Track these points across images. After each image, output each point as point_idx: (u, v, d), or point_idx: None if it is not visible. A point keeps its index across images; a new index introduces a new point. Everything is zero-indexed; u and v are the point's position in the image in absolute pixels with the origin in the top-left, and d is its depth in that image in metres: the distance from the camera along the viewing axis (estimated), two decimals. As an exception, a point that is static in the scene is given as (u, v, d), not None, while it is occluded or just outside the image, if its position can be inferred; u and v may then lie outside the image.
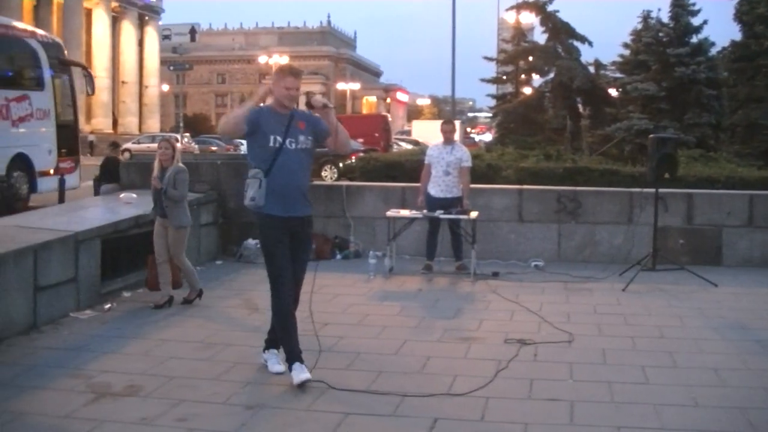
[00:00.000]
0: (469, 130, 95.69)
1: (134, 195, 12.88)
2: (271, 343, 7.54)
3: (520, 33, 51.87)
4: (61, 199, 19.11)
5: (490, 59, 56.56)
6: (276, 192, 7.05)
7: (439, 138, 13.11)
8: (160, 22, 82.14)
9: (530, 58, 48.89)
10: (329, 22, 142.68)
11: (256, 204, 7.11)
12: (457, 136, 14.17)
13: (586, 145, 34.32)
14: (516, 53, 50.50)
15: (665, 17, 38.25)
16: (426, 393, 6.83)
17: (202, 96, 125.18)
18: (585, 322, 9.57)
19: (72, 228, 10.20)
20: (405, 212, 12.96)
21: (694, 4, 37.94)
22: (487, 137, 76.67)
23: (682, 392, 6.95)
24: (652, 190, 12.59)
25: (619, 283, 11.82)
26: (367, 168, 18.89)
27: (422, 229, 13.28)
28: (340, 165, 27.83)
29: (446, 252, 13.18)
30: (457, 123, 28.43)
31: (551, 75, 45.88)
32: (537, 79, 50.10)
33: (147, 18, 79.10)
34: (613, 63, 44.92)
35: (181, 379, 7.24)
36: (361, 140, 33.77)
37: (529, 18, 48.96)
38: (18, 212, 14.00)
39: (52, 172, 20.29)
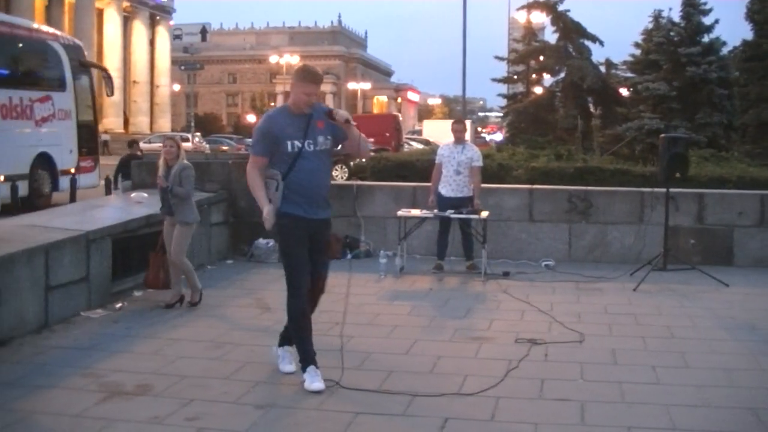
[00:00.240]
0: (479, 129, 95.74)
1: (145, 194, 12.90)
2: (284, 340, 7.48)
3: (531, 32, 51.88)
4: (73, 199, 19.33)
5: (500, 59, 56.67)
6: (295, 194, 6.96)
7: (450, 137, 13.10)
8: (172, 22, 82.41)
9: (541, 58, 48.89)
10: (340, 22, 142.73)
11: (273, 206, 7.07)
12: (468, 136, 14.17)
13: (597, 145, 34.27)
14: (527, 53, 50.49)
15: (676, 17, 38.26)
16: (436, 393, 6.83)
17: (213, 96, 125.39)
18: (596, 322, 9.55)
19: (83, 227, 10.21)
20: (416, 212, 12.95)
21: (705, 4, 37.88)
22: (498, 137, 76.56)
23: (693, 392, 6.94)
24: (663, 189, 12.58)
25: (629, 283, 11.80)
26: (377, 167, 18.93)
27: (433, 228, 13.28)
28: (351, 164, 27.86)
29: (457, 252, 13.17)
30: (468, 123, 28.46)
31: (562, 75, 45.87)
32: (548, 78, 50.14)
33: (158, 18, 79.21)
34: (624, 62, 44.91)
35: (192, 379, 7.25)
36: (371, 140, 33.74)
37: (539, 17, 48.94)
38: (41, 209, 14.15)
39: (72, 171, 20.86)
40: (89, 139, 22.57)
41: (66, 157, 20.90)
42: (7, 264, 8.41)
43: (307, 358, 7.04)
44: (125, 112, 71.99)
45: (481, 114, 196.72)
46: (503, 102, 56.69)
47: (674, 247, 12.70)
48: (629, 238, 13.65)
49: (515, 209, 14.12)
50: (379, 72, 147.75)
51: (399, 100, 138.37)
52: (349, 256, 13.80)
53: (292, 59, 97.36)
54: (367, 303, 10.29)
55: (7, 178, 18.15)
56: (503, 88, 56.04)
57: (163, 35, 79.98)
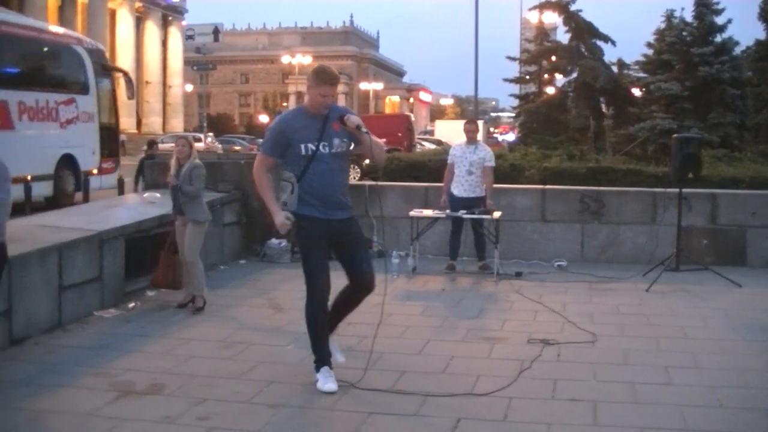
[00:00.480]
0: (492, 129, 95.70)
1: (158, 194, 12.92)
2: (321, 363, 7.12)
3: (543, 33, 51.86)
4: (86, 199, 19.57)
5: (513, 59, 56.67)
6: (310, 196, 6.89)
7: (462, 138, 13.10)
8: (184, 23, 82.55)
9: (553, 58, 48.89)
10: (352, 22, 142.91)
11: (288, 208, 7.05)
12: (480, 136, 14.15)
13: (609, 145, 34.25)
14: (539, 53, 50.48)
15: (689, 16, 38.11)
16: (449, 393, 6.83)
17: (226, 96, 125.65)
18: (608, 322, 9.54)
19: (96, 227, 10.24)
20: (428, 212, 12.95)
21: (717, 3, 37.75)
22: (510, 137, 76.55)
23: (705, 393, 6.92)
24: (676, 190, 12.56)
25: (642, 283, 11.78)
26: (390, 168, 18.91)
27: (445, 228, 13.28)
28: (363, 165, 27.86)
29: (469, 252, 13.16)
30: (480, 123, 28.40)
31: (574, 75, 45.86)
32: (560, 78, 50.16)
33: (170, 18, 79.29)
34: (637, 62, 44.77)
35: (204, 378, 7.26)
36: (384, 140, 33.68)
37: (551, 18, 48.91)
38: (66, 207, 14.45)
39: (95, 171, 21.43)
40: (111, 141, 23.12)
41: (89, 158, 21.41)
42: (21, 264, 8.44)
43: (321, 359, 7.04)
44: (138, 113, 72.10)
45: (493, 114, 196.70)
46: (515, 102, 56.76)
47: (687, 247, 12.67)
48: (642, 238, 13.63)
49: (527, 209, 14.11)
50: (391, 72, 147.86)
51: (411, 100, 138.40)
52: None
53: (304, 59, 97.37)
54: (379, 303, 10.27)
55: (34, 178, 18.49)
56: (515, 89, 56.07)
57: (175, 36, 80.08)
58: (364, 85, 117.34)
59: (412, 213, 12.89)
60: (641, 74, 43.17)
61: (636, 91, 42.54)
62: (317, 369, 7.01)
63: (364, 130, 6.86)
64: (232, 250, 13.73)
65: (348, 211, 7.11)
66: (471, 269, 12.93)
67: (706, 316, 9.86)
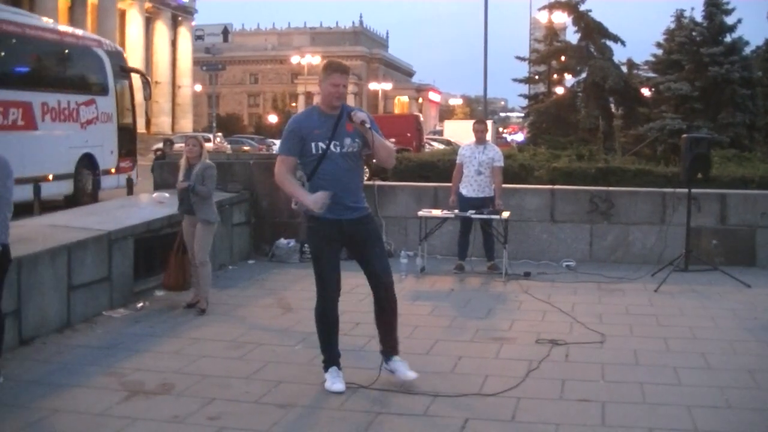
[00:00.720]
0: (501, 130, 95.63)
1: (167, 194, 12.94)
2: (329, 363, 7.14)
3: (553, 33, 51.69)
4: (95, 199, 19.77)
5: (522, 59, 56.57)
6: None
7: (471, 138, 13.10)
8: (193, 23, 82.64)
9: (563, 58, 48.73)
10: (361, 23, 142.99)
11: (299, 207, 7.03)
12: (489, 136, 14.15)
13: (618, 145, 34.07)
14: (548, 53, 50.35)
15: (699, 16, 37.94)
16: (457, 393, 6.84)
17: (235, 96, 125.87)
18: (617, 322, 9.53)
19: (105, 227, 10.26)
20: (437, 212, 12.96)
21: (728, 3, 37.58)
22: (519, 137, 76.45)
23: (714, 394, 6.91)
24: (685, 190, 12.55)
25: (651, 283, 11.77)
26: (399, 168, 18.89)
27: (454, 228, 13.29)
28: (372, 164, 27.81)
29: (478, 252, 13.16)
30: (490, 123, 28.40)
31: (584, 75, 45.69)
32: (569, 78, 49.98)
33: (180, 18, 79.41)
34: (646, 62, 44.62)
35: (213, 378, 7.28)
36: (393, 140, 33.69)
37: (561, 18, 48.76)
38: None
39: (113, 171, 22.10)
40: (128, 141, 23.69)
41: (107, 157, 21.99)
42: (31, 263, 8.46)
43: (329, 359, 7.05)
44: (147, 113, 72.17)
45: (502, 114, 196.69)
46: (524, 102, 56.58)
47: (696, 247, 12.66)
48: (651, 238, 13.62)
49: (537, 209, 14.11)
50: (401, 72, 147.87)
51: (420, 100, 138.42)
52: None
53: (313, 60, 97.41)
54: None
55: (56, 177, 19.27)
56: (525, 89, 55.96)
57: (185, 36, 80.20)
58: (373, 85, 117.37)
59: (421, 213, 12.90)
60: (651, 74, 43.00)
61: (646, 92, 42.39)
62: (325, 369, 7.02)
63: (368, 125, 6.79)
64: (241, 250, 13.76)
65: (360, 211, 7.01)
66: (480, 269, 12.93)
67: (715, 317, 9.85)
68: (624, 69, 45.86)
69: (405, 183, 15.66)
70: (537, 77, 53.39)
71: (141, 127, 66.09)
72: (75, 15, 62.30)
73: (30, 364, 7.68)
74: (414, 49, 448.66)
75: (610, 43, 46.29)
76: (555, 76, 50.92)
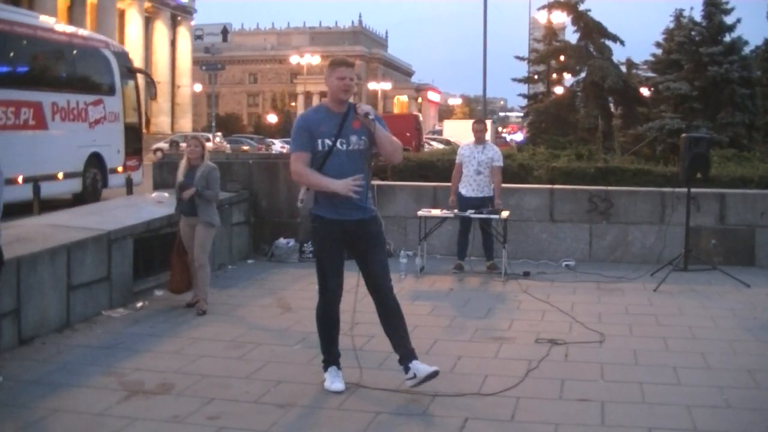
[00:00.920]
0: (500, 129, 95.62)
1: (166, 194, 12.93)
2: (329, 362, 7.14)
3: (552, 32, 51.70)
4: (96, 198, 19.94)
5: (521, 59, 56.59)
6: (326, 195, 6.78)
7: (471, 137, 13.10)
8: (193, 23, 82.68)
9: (562, 58, 48.74)
10: (361, 22, 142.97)
11: (304, 206, 7.01)
12: (488, 136, 14.15)
13: (618, 145, 34.06)
14: (547, 53, 50.36)
15: (698, 16, 37.91)
16: (456, 392, 6.84)
17: (235, 96, 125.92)
18: (616, 322, 9.54)
19: (105, 227, 10.26)
20: (436, 212, 12.96)
21: (727, 3, 37.53)
22: (519, 137, 76.43)
23: (714, 393, 6.91)
24: (685, 190, 12.55)
25: (650, 283, 11.78)
26: (398, 167, 18.90)
27: (453, 228, 13.30)
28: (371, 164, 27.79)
29: (477, 252, 13.16)
30: (489, 122, 28.39)
31: (583, 74, 45.72)
32: (569, 78, 50.00)
33: (179, 18, 79.47)
34: (646, 62, 44.60)
35: (213, 378, 7.28)
36: (393, 140, 33.67)
37: (560, 17, 48.79)
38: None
39: (120, 169, 22.44)
40: (135, 140, 24.13)
41: (114, 156, 22.40)
42: (30, 263, 8.46)
43: (329, 359, 7.05)
44: (146, 113, 72.21)
45: (501, 114, 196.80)
46: (524, 102, 56.55)
47: (695, 247, 12.68)
48: (650, 238, 13.63)
49: (536, 209, 14.12)
50: (400, 72, 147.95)
51: (420, 100, 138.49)
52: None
53: (313, 59, 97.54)
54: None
55: (66, 176, 19.75)
56: (524, 88, 55.93)
57: (184, 36, 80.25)
58: (372, 85, 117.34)
59: (421, 213, 12.90)
60: (650, 74, 42.99)
61: (645, 91, 42.38)
62: (325, 369, 7.02)
63: (371, 116, 6.74)
64: (241, 250, 13.77)
65: (365, 211, 6.92)
66: (479, 269, 12.93)
67: (715, 316, 9.86)
68: (623, 69, 45.89)
69: (404, 183, 15.66)
70: (536, 77, 53.38)
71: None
72: (74, 15, 62.27)
73: (29, 364, 7.68)
74: (413, 49, 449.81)
75: (609, 42, 46.34)
76: (554, 75, 50.93)
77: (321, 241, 6.98)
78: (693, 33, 37.19)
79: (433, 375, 6.74)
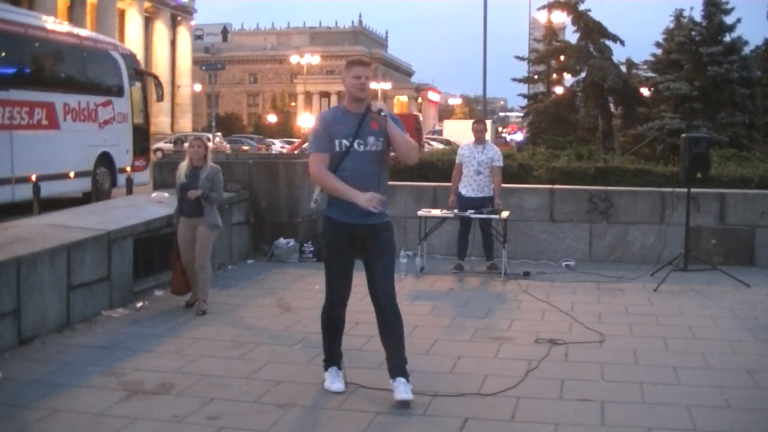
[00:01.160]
0: (500, 129, 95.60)
1: (166, 194, 12.91)
2: (329, 362, 7.13)
3: (552, 32, 51.74)
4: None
5: (521, 59, 56.62)
6: (339, 198, 6.68)
7: (471, 137, 13.10)
8: (193, 23, 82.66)
9: (562, 58, 48.78)
10: (361, 22, 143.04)
11: (318, 207, 6.97)
12: (488, 136, 14.16)
13: (618, 145, 34.05)
14: (548, 53, 50.40)
15: (698, 16, 37.87)
16: (456, 392, 6.84)
17: (235, 96, 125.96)
18: (616, 322, 9.54)
19: (105, 227, 10.26)
20: (436, 212, 12.96)
21: (727, 3, 37.49)
22: (519, 137, 76.45)
23: (714, 393, 6.91)
24: (685, 190, 12.54)
25: (650, 283, 11.78)
26: (398, 167, 18.87)
27: (453, 228, 13.30)
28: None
29: (477, 251, 13.16)
30: (489, 122, 28.41)
31: (583, 74, 45.74)
32: (569, 78, 50.03)
33: (179, 18, 79.44)
34: (646, 62, 44.59)
35: (213, 378, 7.28)
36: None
37: (560, 17, 48.84)
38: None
39: (128, 169, 22.66)
40: (142, 141, 24.39)
41: (123, 156, 22.62)
42: (30, 263, 8.47)
43: (330, 359, 7.05)
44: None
45: (501, 114, 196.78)
46: (524, 102, 56.56)
47: (695, 247, 12.67)
48: (650, 238, 13.63)
49: (536, 209, 14.12)
50: (400, 72, 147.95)
51: (420, 100, 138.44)
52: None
53: (313, 59, 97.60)
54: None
55: (77, 174, 20.03)
56: (524, 88, 55.95)
57: (184, 36, 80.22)
58: (372, 85, 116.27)
59: (421, 213, 12.90)
60: (650, 74, 42.97)
61: (645, 91, 42.37)
62: (325, 369, 7.02)
63: (383, 113, 6.67)
64: (241, 250, 13.76)
65: (378, 216, 6.73)
66: (479, 269, 12.94)
67: (715, 316, 9.86)
68: (623, 68, 45.92)
69: (404, 182, 15.62)
70: (536, 77, 53.42)
71: (140, 127, 66.01)
72: (74, 14, 62.24)
73: (29, 363, 7.68)
74: (413, 49, 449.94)
75: (609, 42, 46.40)
76: (554, 75, 50.96)
77: (331, 242, 6.92)
78: (693, 33, 37.16)
79: (402, 405, 6.57)
